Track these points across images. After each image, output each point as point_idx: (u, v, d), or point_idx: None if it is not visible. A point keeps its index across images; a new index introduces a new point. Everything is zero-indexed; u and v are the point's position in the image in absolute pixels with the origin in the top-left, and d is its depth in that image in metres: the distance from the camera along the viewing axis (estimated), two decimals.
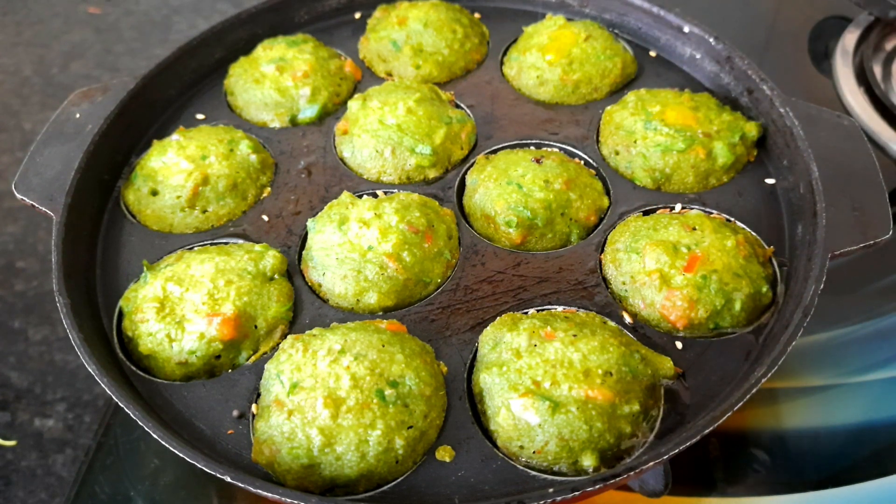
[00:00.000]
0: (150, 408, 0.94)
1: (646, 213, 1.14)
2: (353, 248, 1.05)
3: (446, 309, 1.04)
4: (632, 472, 0.81)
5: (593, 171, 1.20)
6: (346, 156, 1.23)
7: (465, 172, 1.21)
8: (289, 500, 0.79)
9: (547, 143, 1.25)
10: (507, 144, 1.25)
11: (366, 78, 1.39)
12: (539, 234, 1.11)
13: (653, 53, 1.41)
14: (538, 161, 1.16)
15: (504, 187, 1.12)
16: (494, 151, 1.23)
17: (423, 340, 0.98)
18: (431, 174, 1.21)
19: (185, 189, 1.14)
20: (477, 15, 1.49)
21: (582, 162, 1.22)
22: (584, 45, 1.33)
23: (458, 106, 1.31)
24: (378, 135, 1.20)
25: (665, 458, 0.83)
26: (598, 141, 1.25)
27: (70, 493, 1.09)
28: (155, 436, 0.85)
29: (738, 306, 0.99)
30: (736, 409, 0.85)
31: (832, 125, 1.15)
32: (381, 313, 1.03)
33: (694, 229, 1.05)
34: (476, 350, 0.98)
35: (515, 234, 1.10)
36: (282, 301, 1.03)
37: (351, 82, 1.37)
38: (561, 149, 1.24)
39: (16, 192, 1.09)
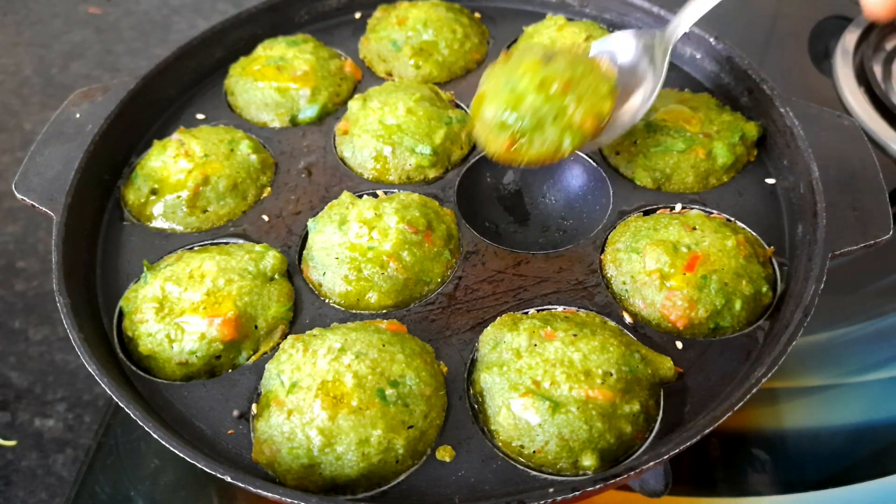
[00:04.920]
0: (151, 408, 0.94)
1: (646, 213, 1.14)
2: (353, 247, 1.05)
3: (446, 309, 1.04)
4: (632, 472, 0.81)
5: (606, 60, 1.10)
6: (347, 156, 1.23)
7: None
8: (289, 500, 0.79)
9: None
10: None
11: (366, 78, 1.39)
12: (529, 141, 1.04)
13: None
14: (548, 58, 1.06)
15: (499, 89, 1.05)
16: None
17: (423, 340, 0.98)
18: (431, 174, 1.21)
19: (185, 189, 1.14)
20: (477, 15, 1.49)
21: (604, 58, 1.11)
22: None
23: (458, 106, 1.31)
24: (378, 135, 1.20)
25: (665, 458, 0.83)
26: None
27: (70, 493, 1.09)
28: (155, 436, 0.85)
29: (738, 306, 0.99)
30: (736, 409, 0.85)
31: (832, 125, 1.15)
32: (381, 313, 1.03)
33: (694, 229, 1.05)
34: (476, 350, 0.99)
35: (502, 139, 1.04)
36: (282, 301, 1.03)
37: (351, 82, 1.37)
38: None
39: (16, 192, 1.09)
